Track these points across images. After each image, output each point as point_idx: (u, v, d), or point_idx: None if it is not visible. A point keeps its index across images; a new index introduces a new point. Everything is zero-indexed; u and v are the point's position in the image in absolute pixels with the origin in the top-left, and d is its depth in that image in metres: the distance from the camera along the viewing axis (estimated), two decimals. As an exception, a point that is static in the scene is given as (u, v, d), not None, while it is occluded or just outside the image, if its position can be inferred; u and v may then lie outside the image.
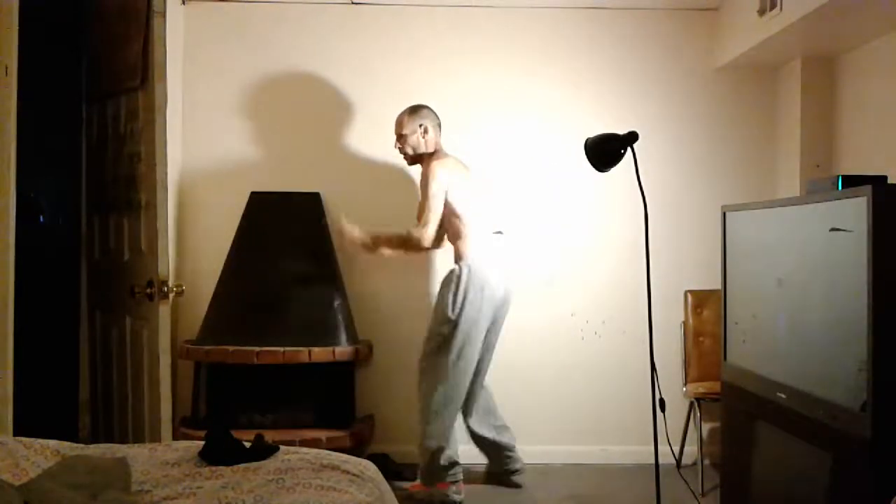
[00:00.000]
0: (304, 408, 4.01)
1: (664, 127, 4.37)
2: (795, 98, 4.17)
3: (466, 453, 3.94)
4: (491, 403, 3.99)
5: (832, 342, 2.68)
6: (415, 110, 3.84)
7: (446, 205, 3.73)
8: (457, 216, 3.74)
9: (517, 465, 3.97)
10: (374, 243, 3.83)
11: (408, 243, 3.73)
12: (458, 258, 3.76)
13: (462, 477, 3.74)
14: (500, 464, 3.97)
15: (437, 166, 3.72)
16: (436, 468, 3.69)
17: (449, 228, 3.80)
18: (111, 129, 3.55)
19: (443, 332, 3.67)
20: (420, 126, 3.81)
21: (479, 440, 3.95)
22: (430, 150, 3.83)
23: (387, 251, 3.85)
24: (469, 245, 3.74)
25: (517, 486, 3.94)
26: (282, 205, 4.23)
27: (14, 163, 2.67)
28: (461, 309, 3.64)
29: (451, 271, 3.74)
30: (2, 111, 2.63)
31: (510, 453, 3.96)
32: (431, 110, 3.87)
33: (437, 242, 3.85)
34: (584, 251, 4.38)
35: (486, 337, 3.79)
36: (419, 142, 3.82)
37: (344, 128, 4.35)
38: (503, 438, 3.95)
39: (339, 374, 4.05)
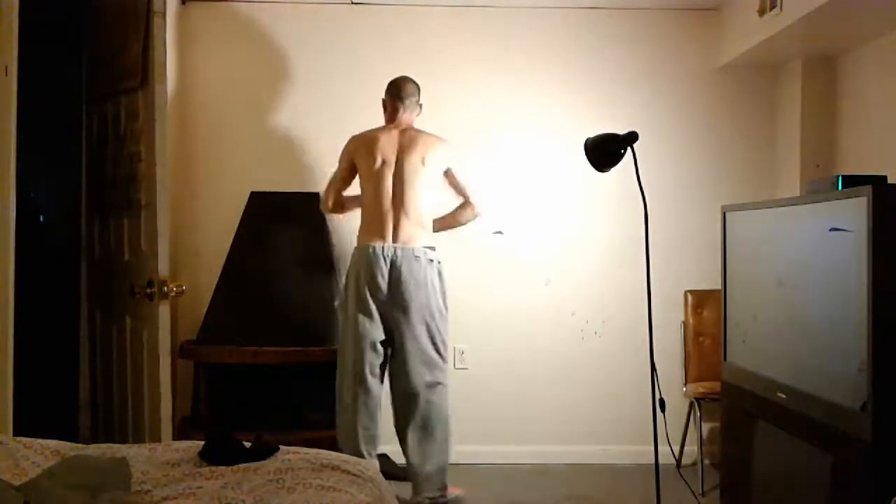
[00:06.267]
0: (304, 408, 4.01)
1: (664, 127, 4.36)
2: (795, 98, 4.17)
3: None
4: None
5: (832, 342, 2.68)
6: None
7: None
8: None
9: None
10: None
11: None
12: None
13: None
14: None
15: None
16: None
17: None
18: (111, 130, 3.54)
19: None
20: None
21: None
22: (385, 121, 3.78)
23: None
24: (362, 225, 3.65)
25: None
26: (282, 205, 4.23)
27: (14, 163, 2.66)
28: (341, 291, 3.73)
29: None
30: (2, 111, 2.62)
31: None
32: (395, 83, 3.76)
33: (338, 208, 3.86)
34: (585, 251, 4.38)
35: (392, 330, 3.55)
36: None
37: (344, 128, 4.34)
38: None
39: (339, 374, 4.04)
